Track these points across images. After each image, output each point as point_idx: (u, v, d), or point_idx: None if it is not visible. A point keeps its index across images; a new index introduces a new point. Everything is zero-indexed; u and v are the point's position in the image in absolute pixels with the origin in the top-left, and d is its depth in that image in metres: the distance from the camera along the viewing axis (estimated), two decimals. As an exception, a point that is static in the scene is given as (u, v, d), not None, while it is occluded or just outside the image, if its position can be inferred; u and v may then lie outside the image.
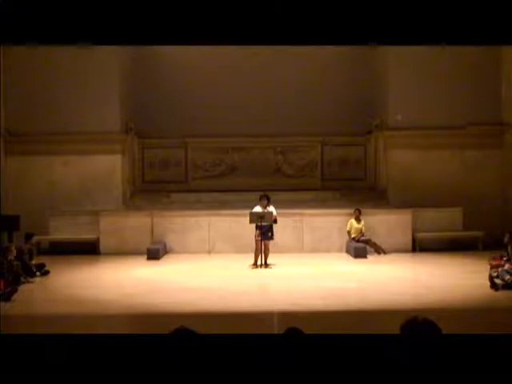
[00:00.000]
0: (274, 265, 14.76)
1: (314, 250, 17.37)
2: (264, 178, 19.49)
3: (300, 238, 17.65)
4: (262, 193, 15.20)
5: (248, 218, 14.71)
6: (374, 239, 16.98)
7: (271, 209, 14.75)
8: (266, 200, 14.71)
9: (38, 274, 13.54)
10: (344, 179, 19.76)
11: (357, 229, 17.07)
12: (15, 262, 12.58)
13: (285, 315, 9.71)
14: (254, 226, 14.69)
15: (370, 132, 19.88)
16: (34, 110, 18.44)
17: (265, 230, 14.55)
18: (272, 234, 14.71)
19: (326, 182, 19.89)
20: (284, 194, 18.58)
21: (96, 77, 18.45)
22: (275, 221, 14.83)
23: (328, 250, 17.31)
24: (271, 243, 14.90)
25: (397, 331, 3.56)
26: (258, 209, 14.70)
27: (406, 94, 18.65)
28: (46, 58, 17.92)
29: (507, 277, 11.53)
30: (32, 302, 11.59)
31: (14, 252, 12.79)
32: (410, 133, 18.64)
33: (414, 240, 17.55)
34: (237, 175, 19.87)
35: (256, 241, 14.65)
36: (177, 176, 19.96)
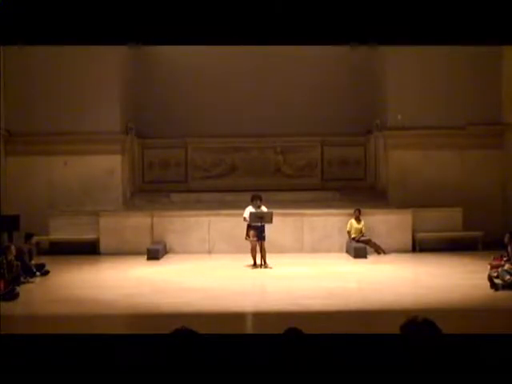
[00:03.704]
0: (273, 265, 14.74)
1: (314, 250, 17.36)
2: (264, 178, 19.50)
3: (300, 238, 17.65)
4: (253, 193, 15.15)
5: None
6: (374, 239, 16.97)
7: (264, 209, 14.73)
8: (258, 200, 14.67)
9: (37, 273, 13.54)
10: (344, 179, 19.76)
11: (357, 229, 17.07)
12: (15, 262, 12.56)
13: (285, 315, 9.70)
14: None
15: (370, 132, 19.89)
16: (33, 110, 18.44)
17: (260, 231, 14.50)
18: (265, 235, 14.66)
19: (326, 182, 19.89)
20: (284, 194, 18.59)
21: (96, 77, 18.44)
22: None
23: (328, 250, 17.30)
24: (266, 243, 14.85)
25: (397, 331, 3.56)
26: (251, 209, 14.65)
27: (405, 94, 18.65)
28: (45, 58, 17.91)
29: (507, 277, 11.53)
30: (32, 302, 11.58)
31: (14, 252, 12.77)
32: (410, 133, 18.63)
33: (414, 240, 17.54)
34: (237, 175, 19.87)
35: (252, 241, 14.63)
36: (177, 176, 19.96)
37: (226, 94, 19.96)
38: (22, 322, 9.98)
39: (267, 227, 14.69)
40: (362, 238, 16.94)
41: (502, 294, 11.24)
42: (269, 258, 14.75)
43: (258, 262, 14.59)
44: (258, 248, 14.62)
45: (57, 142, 18.45)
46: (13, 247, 12.99)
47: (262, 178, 19.50)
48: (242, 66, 19.89)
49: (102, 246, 17.43)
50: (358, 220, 17.15)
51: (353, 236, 17.06)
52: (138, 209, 18.54)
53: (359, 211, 17.18)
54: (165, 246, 17.30)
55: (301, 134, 19.79)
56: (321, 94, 19.93)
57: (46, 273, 13.80)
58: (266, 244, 14.73)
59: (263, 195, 15.22)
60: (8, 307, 10.44)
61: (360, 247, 16.43)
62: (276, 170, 19.95)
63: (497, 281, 11.56)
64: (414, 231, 17.57)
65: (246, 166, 19.86)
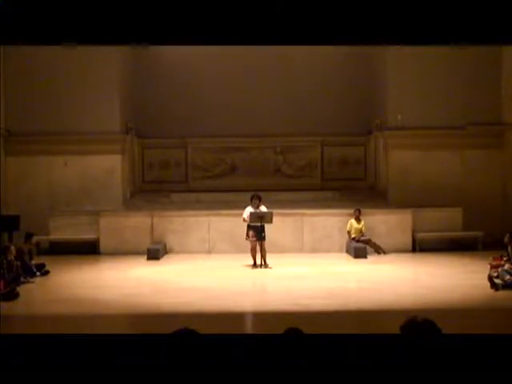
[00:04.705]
0: (273, 265, 14.74)
1: (314, 250, 17.36)
2: (264, 178, 19.51)
3: (300, 238, 17.64)
4: (252, 193, 15.14)
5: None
6: (373, 239, 16.97)
7: (263, 208, 14.73)
8: (257, 200, 14.68)
9: (38, 273, 13.54)
10: (344, 179, 19.78)
11: (357, 229, 17.07)
12: (15, 262, 12.57)
13: (285, 315, 9.70)
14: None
15: (370, 132, 19.89)
16: (33, 109, 18.44)
17: (259, 231, 14.49)
18: (265, 234, 14.65)
19: (326, 182, 19.90)
20: (284, 194, 18.59)
21: (96, 77, 18.44)
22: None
23: (328, 250, 17.30)
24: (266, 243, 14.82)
25: (397, 331, 3.56)
26: (250, 209, 14.64)
27: (405, 94, 18.64)
28: (45, 58, 17.90)
29: (507, 277, 11.53)
30: (32, 302, 11.58)
31: (14, 252, 12.78)
32: (410, 133, 18.63)
33: (414, 240, 17.54)
34: (237, 175, 19.88)
35: (251, 241, 14.63)
36: (177, 176, 19.98)
37: (226, 94, 19.97)
38: (22, 322, 9.98)
39: (267, 227, 14.69)
40: (362, 238, 16.94)
41: (501, 293, 11.25)
42: (269, 258, 14.75)
43: (258, 261, 14.59)
44: (258, 248, 14.63)
45: (57, 142, 18.45)
46: (13, 247, 13.00)
47: (261, 177, 19.51)
48: (241, 66, 19.91)
49: (102, 246, 17.43)
50: (358, 220, 17.15)
51: (353, 236, 17.06)
52: (137, 209, 18.54)
53: (359, 211, 17.17)
54: (165, 246, 17.30)
55: (301, 134, 19.80)
56: (321, 94, 19.94)
57: (46, 273, 13.80)
58: (266, 244, 14.73)
59: (263, 195, 15.23)
60: (8, 307, 10.45)
61: (360, 247, 16.43)
62: (276, 170, 19.96)
63: (497, 281, 11.56)
64: (414, 231, 17.57)
65: (245, 166, 19.87)
